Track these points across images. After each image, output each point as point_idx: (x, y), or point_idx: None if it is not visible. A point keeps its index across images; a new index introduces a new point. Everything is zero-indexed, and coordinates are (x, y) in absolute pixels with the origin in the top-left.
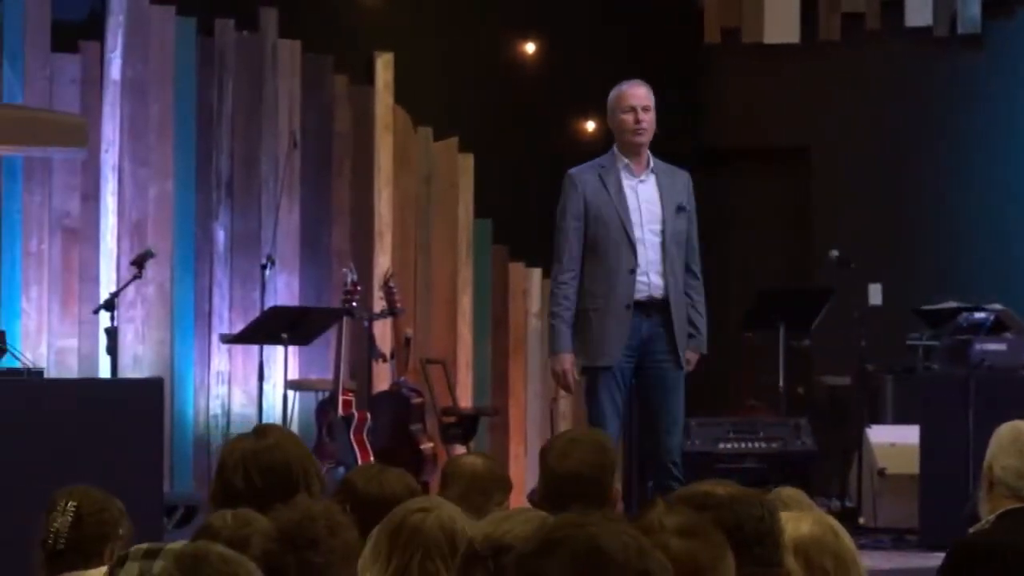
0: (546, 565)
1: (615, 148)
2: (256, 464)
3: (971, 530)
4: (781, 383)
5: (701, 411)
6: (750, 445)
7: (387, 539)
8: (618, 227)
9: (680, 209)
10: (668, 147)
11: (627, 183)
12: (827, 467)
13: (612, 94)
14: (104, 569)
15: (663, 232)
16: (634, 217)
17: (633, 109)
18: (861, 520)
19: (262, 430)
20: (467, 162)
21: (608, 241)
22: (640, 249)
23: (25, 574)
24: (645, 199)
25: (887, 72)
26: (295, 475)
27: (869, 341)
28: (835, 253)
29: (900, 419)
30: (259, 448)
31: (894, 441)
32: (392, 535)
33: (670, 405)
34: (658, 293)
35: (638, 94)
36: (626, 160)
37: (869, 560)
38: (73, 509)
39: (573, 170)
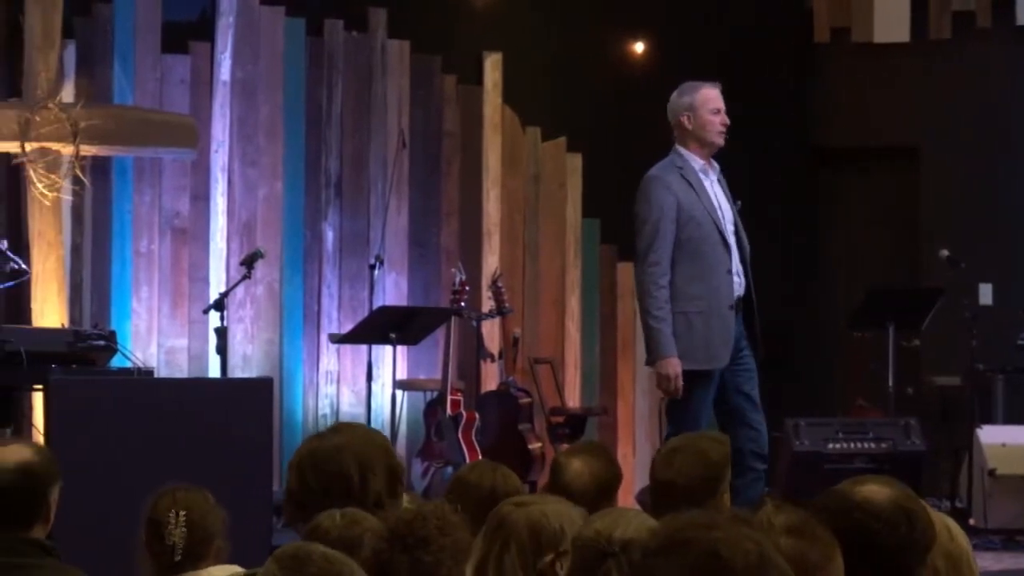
0: (664, 565)
1: (684, 148)
2: (311, 464)
3: None
4: (891, 383)
5: (811, 411)
6: (859, 445)
7: (483, 530)
8: (711, 227)
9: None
10: (778, 146)
11: (705, 182)
12: (937, 468)
13: (692, 94)
14: (211, 567)
15: (736, 230)
16: (720, 216)
17: (720, 111)
18: (971, 521)
19: (332, 428)
20: (575, 162)
21: (705, 242)
22: (732, 248)
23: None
24: (721, 198)
25: (998, 70)
26: (349, 473)
27: (979, 341)
28: (945, 252)
29: (1011, 419)
30: (316, 448)
31: (1005, 441)
32: (486, 526)
33: (756, 396)
34: (742, 291)
35: (720, 96)
36: (701, 160)
37: (980, 561)
38: (184, 519)
39: (655, 171)
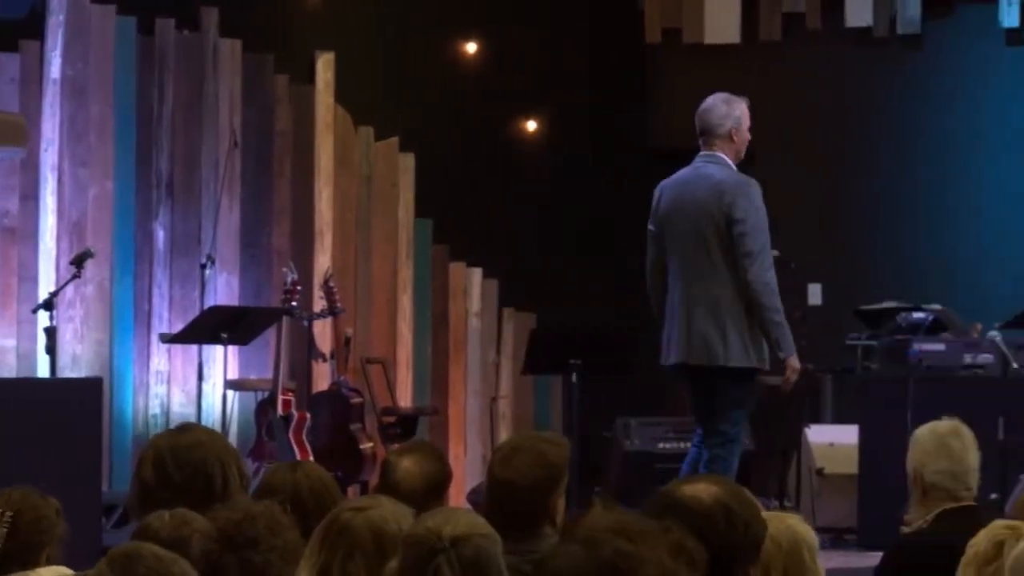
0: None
1: (724, 155)
2: (173, 459)
3: (907, 530)
4: None
5: (643, 411)
6: (690, 445)
7: (319, 536)
8: None
9: None
10: (615, 148)
11: None
12: (766, 467)
13: (740, 109)
14: (40, 569)
15: None
16: None
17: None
18: None
19: (183, 426)
20: (407, 162)
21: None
22: None
23: None
24: None
25: (827, 72)
26: (212, 472)
27: (808, 341)
28: (775, 253)
29: (839, 419)
30: (177, 444)
31: (833, 441)
32: (323, 532)
33: None
34: None
35: None
36: None
37: None
38: (9, 519)
39: (747, 176)
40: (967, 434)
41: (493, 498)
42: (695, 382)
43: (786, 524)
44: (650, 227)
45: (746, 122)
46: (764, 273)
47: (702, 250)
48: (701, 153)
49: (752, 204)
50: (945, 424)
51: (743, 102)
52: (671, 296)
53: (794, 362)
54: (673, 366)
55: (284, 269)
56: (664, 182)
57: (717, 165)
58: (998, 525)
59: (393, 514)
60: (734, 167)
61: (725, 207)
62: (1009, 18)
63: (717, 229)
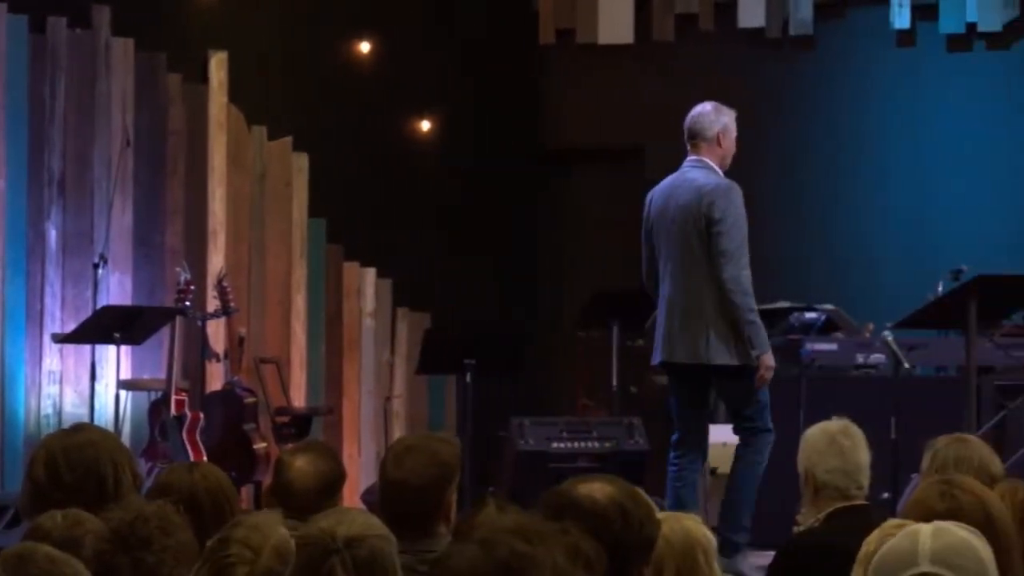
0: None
1: (711, 161)
2: (66, 460)
3: (799, 530)
4: (615, 383)
5: (537, 411)
6: (583, 444)
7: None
8: None
9: None
10: (509, 148)
11: None
12: (660, 466)
13: (728, 117)
14: None
15: None
16: None
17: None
18: None
19: (75, 427)
20: (301, 161)
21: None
22: None
23: None
24: None
25: (720, 73)
26: (105, 472)
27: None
28: None
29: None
30: (69, 444)
31: (726, 440)
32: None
33: None
34: None
35: None
36: None
37: None
38: None
39: (728, 180)
40: (857, 433)
41: (387, 498)
42: (680, 382)
43: (681, 525)
44: (643, 231)
45: (733, 131)
46: (739, 272)
47: (687, 252)
48: (688, 158)
49: (731, 206)
50: (835, 423)
51: (732, 112)
52: (660, 297)
53: (768, 359)
54: (658, 364)
55: (177, 269)
56: (654, 188)
57: (702, 170)
58: (890, 524)
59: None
60: (719, 172)
61: (705, 208)
62: (900, 20)
63: (699, 231)
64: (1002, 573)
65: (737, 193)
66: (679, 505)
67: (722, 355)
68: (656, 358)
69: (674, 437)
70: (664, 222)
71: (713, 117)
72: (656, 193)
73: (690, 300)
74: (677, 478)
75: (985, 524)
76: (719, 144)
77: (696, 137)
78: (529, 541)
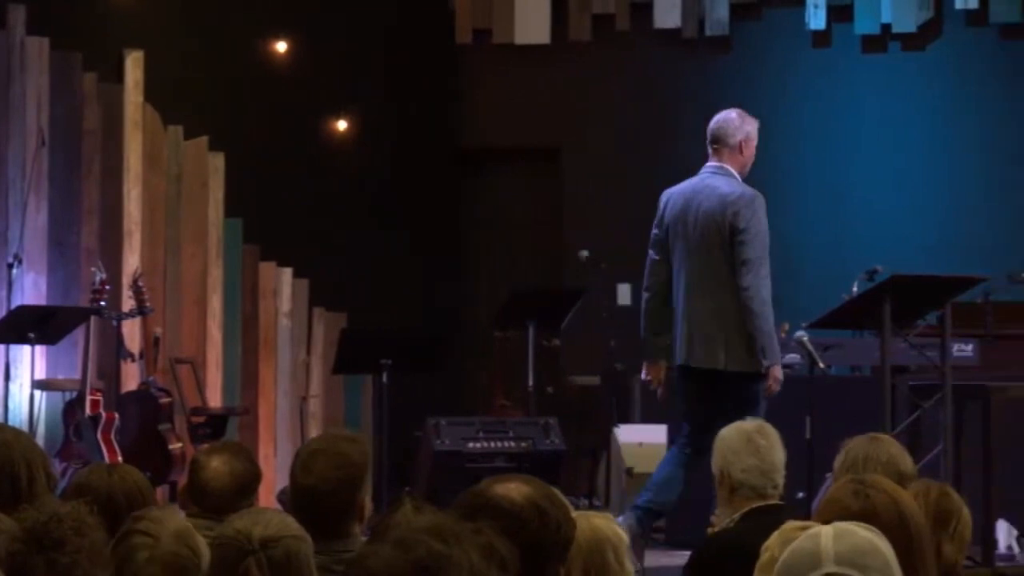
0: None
1: (731, 167)
2: None
3: (714, 530)
4: (531, 383)
5: (454, 411)
6: (500, 444)
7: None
8: None
9: None
10: (426, 148)
11: None
12: (576, 466)
13: (752, 125)
14: None
15: None
16: None
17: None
18: None
19: None
20: (217, 161)
21: None
22: None
23: None
24: None
25: (637, 73)
26: (18, 472)
27: (618, 341)
28: (585, 253)
29: (648, 419)
30: None
31: (641, 440)
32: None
33: None
34: None
35: None
36: None
37: None
38: None
39: (752, 189)
40: (772, 432)
41: (298, 503)
42: (697, 385)
43: (589, 523)
44: (654, 231)
45: (755, 140)
46: (759, 281)
47: (708, 258)
48: (709, 164)
49: (756, 216)
50: (751, 423)
51: (756, 122)
52: (676, 302)
53: (777, 372)
54: (676, 367)
55: (93, 269)
56: (671, 189)
57: (724, 177)
58: (790, 527)
59: (181, 533)
60: (740, 180)
61: (730, 217)
62: (816, 21)
63: (722, 239)
64: (915, 573)
65: (761, 203)
66: (660, 478)
67: (741, 362)
68: (675, 360)
69: (684, 432)
70: (683, 227)
71: (738, 124)
72: (673, 195)
73: (710, 306)
74: (674, 457)
75: (898, 523)
76: (741, 152)
77: (719, 143)
78: (445, 541)
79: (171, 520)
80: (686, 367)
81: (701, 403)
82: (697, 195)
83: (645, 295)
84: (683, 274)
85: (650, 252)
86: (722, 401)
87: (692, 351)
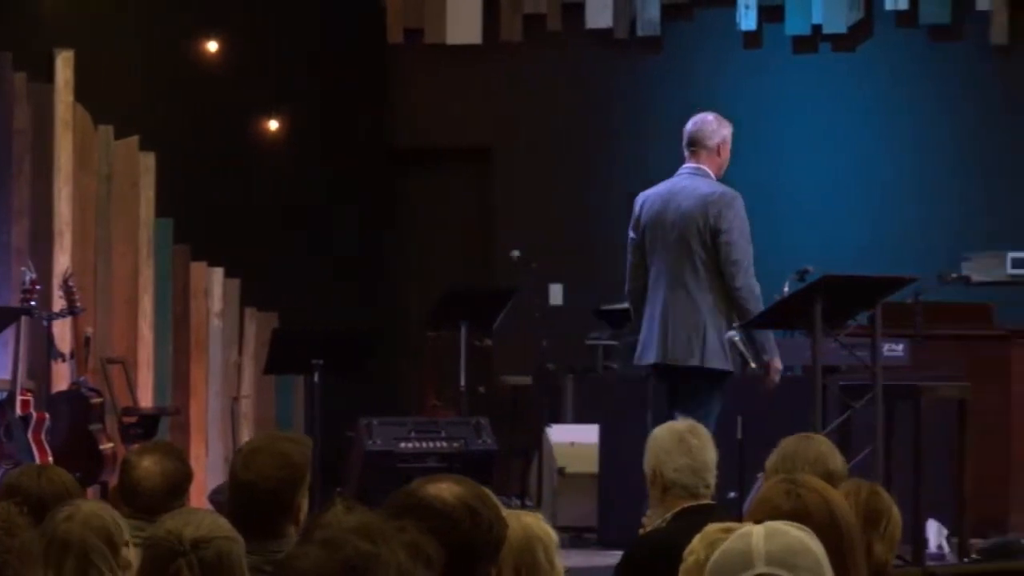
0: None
1: (708, 168)
2: None
3: (645, 530)
4: (463, 383)
5: (386, 411)
6: (431, 444)
7: (42, 553)
8: None
9: None
10: (357, 147)
11: None
12: (508, 466)
13: (728, 129)
14: None
15: None
16: None
17: None
18: None
19: None
20: (148, 161)
21: None
22: None
23: None
24: None
25: (568, 73)
26: None
27: (550, 341)
28: (517, 253)
29: (580, 419)
30: None
31: (574, 440)
32: (46, 550)
33: None
34: None
35: None
36: None
37: None
38: None
39: (733, 190)
40: (704, 432)
41: (236, 500)
42: (670, 382)
43: (520, 522)
44: (631, 234)
45: (730, 143)
46: (750, 281)
47: (686, 257)
48: (686, 165)
49: (738, 216)
50: (682, 423)
51: (731, 126)
52: (652, 300)
53: (778, 363)
54: (648, 366)
55: (22, 268)
56: (646, 192)
57: (702, 178)
58: (712, 529)
59: (101, 508)
60: (716, 181)
61: (712, 218)
62: (747, 21)
63: (702, 239)
64: (845, 572)
65: (741, 203)
66: None
67: (717, 359)
68: (648, 358)
69: None
70: (660, 228)
71: (715, 127)
72: (650, 197)
73: (688, 304)
74: None
75: (830, 523)
76: (718, 154)
77: (697, 145)
78: (372, 540)
79: (87, 507)
80: (660, 365)
81: (679, 400)
82: (676, 196)
83: (629, 298)
84: (661, 273)
85: (628, 256)
86: (691, 397)
87: (668, 349)
